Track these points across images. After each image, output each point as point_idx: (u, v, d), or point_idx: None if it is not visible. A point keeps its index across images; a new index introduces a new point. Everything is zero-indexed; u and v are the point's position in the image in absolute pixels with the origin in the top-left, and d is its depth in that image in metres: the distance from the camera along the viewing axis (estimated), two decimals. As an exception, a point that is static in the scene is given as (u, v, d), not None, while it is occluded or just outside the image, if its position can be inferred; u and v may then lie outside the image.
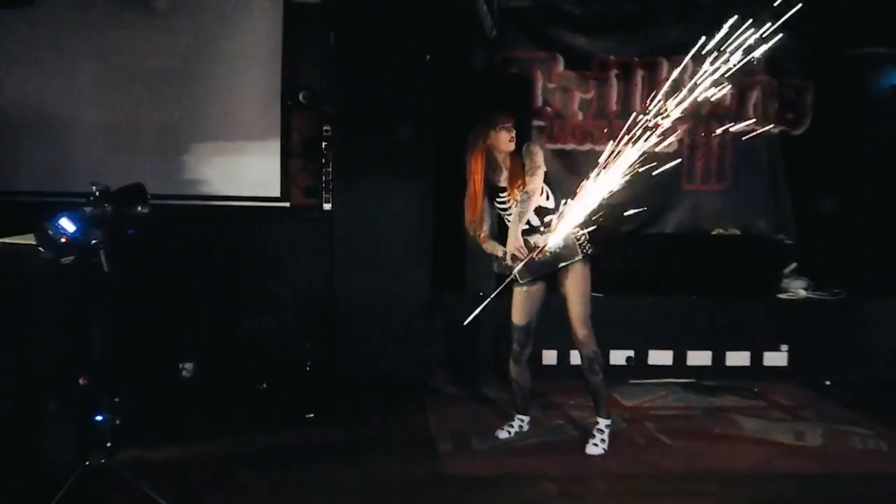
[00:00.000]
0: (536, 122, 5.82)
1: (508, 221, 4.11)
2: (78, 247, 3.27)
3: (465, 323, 3.87)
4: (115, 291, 3.49)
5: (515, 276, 4.05)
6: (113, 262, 3.24)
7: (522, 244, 3.98)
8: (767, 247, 5.96)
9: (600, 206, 3.61)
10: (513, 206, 4.06)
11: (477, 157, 4.07)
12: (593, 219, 3.73)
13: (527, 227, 4.07)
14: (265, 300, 5.38)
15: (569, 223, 3.77)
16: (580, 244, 4.04)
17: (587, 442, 4.15)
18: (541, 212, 4.08)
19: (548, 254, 3.95)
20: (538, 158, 4.03)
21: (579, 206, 3.66)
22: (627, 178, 3.47)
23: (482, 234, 4.14)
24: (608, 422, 4.18)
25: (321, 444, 4.24)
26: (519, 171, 4.05)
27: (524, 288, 4.15)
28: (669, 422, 4.69)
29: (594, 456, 4.08)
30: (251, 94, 5.44)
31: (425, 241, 5.34)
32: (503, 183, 4.12)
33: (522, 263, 3.98)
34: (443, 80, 5.34)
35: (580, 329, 4.07)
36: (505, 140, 4.07)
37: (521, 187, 4.02)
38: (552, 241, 3.87)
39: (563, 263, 4.06)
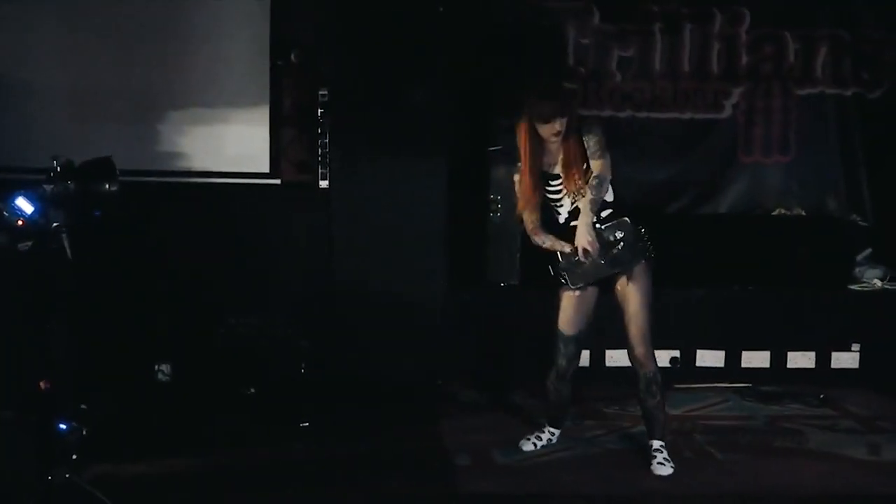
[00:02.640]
0: (568, 85, 5.79)
1: (558, 214, 4.06)
2: (37, 230, 3.28)
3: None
4: (80, 282, 3.50)
5: (566, 280, 4.01)
6: (77, 248, 3.25)
7: (594, 238, 3.92)
8: (838, 230, 5.93)
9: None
10: (566, 196, 3.99)
11: (522, 131, 4.00)
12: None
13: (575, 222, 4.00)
14: (253, 292, 5.40)
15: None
16: (645, 243, 3.98)
17: (650, 463, 4.07)
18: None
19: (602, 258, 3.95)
20: (603, 140, 3.95)
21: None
22: None
23: (532, 226, 4.05)
24: (664, 443, 4.13)
25: (318, 459, 4.26)
26: (577, 155, 3.95)
27: (576, 292, 4.09)
28: (722, 433, 4.68)
29: (666, 476, 4.00)
30: (235, 53, 5.44)
31: (439, 223, 5.33)
32: (556, 169, 4.02)
33: (591, 262, 3.93)
34: (459, 34, 5.31)
35: (639, 346, 4.01)
36: (546, 133, 3.94)
37: (578, 175, 3.93)
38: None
39: (624, 268, 4.00)
